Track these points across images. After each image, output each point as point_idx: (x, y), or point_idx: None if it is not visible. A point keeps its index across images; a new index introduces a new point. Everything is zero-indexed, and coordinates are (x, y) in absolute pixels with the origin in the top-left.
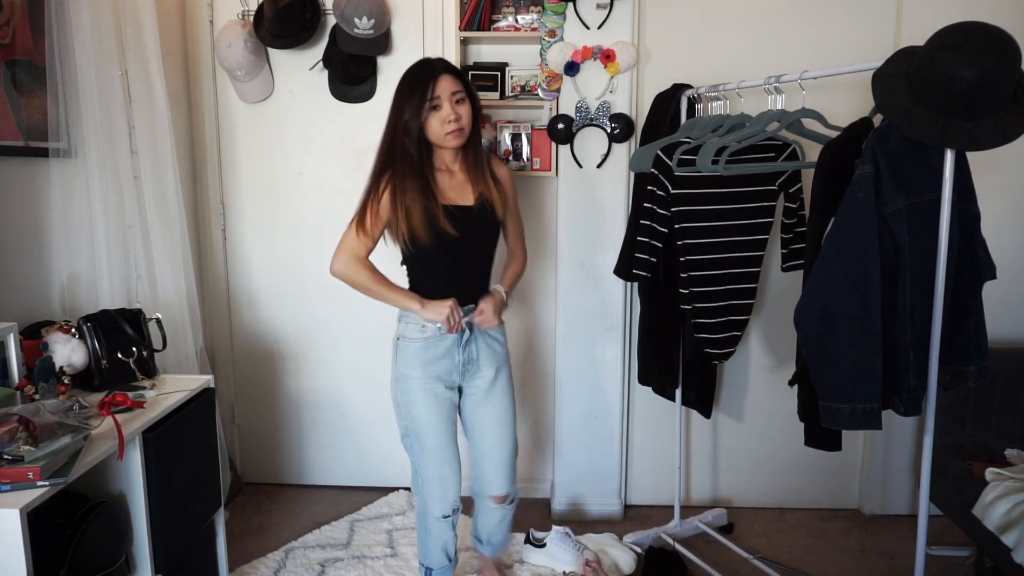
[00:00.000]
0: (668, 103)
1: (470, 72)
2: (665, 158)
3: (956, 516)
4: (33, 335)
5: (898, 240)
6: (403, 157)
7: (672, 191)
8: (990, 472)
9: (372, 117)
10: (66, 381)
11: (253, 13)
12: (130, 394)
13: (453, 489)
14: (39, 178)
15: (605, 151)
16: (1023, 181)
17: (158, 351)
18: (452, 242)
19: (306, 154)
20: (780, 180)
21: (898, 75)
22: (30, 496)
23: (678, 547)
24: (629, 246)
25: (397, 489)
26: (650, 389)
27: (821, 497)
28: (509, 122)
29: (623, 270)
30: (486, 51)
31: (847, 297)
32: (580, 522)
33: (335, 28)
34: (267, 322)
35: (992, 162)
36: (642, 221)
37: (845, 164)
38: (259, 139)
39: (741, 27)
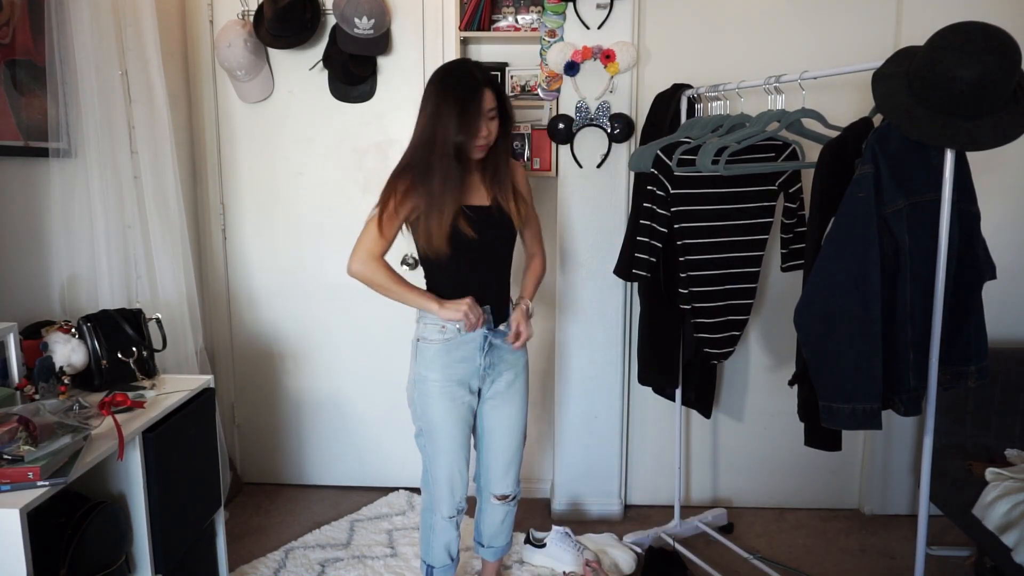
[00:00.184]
0: (668, 103)
1: None
2: (665, 158)
3: (956, 516)
4: (33, 335)
5: (898, 240)
6: (430, 158)
7: (672, 191)
8: (990, 472)
9: (372, 117)
10: (66, 381)
11: (253, 13)
12: (130, 394)
13: (461, 490)
14: (39, 178)
15: (605, 151)
16: (1023, 181)
17: (158, 351)
18: (470, 243)
19: (306, 154)
20: (780, 180)
21: (898, 75)
22: (30, 496)
23: (678, 547)
24: (629, 246)
25: (397, 489)
26: (650, 389)
27: (821, 497)
28: (515, 121)
29: (623, 270)
30: (486, 51)
31: (847, 297)
32: (580, 522)
33: (335, 28)
34: (267, 322)
35: (992, 162)
36: (642, 221)
37: (845, 164)
38: (259, 139)
39: (741, 27)
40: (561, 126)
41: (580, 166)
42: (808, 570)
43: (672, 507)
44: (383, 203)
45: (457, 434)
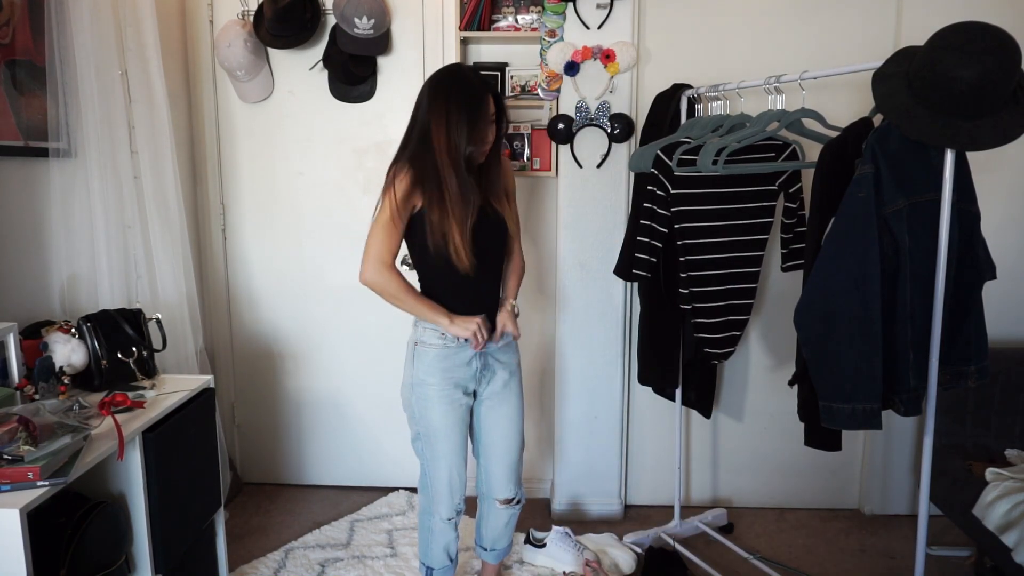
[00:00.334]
0: (668, 103)
1: None
2: (665, 158)
3: (956, 516)
4: (33, 335)
5: (898, 240)
6: (434, 161)
7: (672, 191)
8: (990, 472)
9: (372, 117)
10: (66, 381)
11: (253, 13)
12: (130, 394)
13: (460, 493)
14: (39, 178)
15: (605, 151)
16: (1023, 181)
17: (158, 351)
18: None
19: (306, 154)
20: (780, 180)
21: (898, 75)
22: (30, 496)
23: (678, 547)
24: (629, 246)
25: (397, 489)
26: (650, 389)
27: (821, 497)
28: (509, 122)
29: (623, 270)
30: (486, 51)
31: (847, 297)
32: (580, 522)
33: (335, 28)
34: (267, 322)
35: (992, 162)
36: (642, 221)
37: (845, 164)
38: (259, 139)
39: (741, 27)
40: (561, 126)
41: (580, 166)
42: (808, 570)
43: (672, 507)
44: (388, 202)
45: (456, 437)
